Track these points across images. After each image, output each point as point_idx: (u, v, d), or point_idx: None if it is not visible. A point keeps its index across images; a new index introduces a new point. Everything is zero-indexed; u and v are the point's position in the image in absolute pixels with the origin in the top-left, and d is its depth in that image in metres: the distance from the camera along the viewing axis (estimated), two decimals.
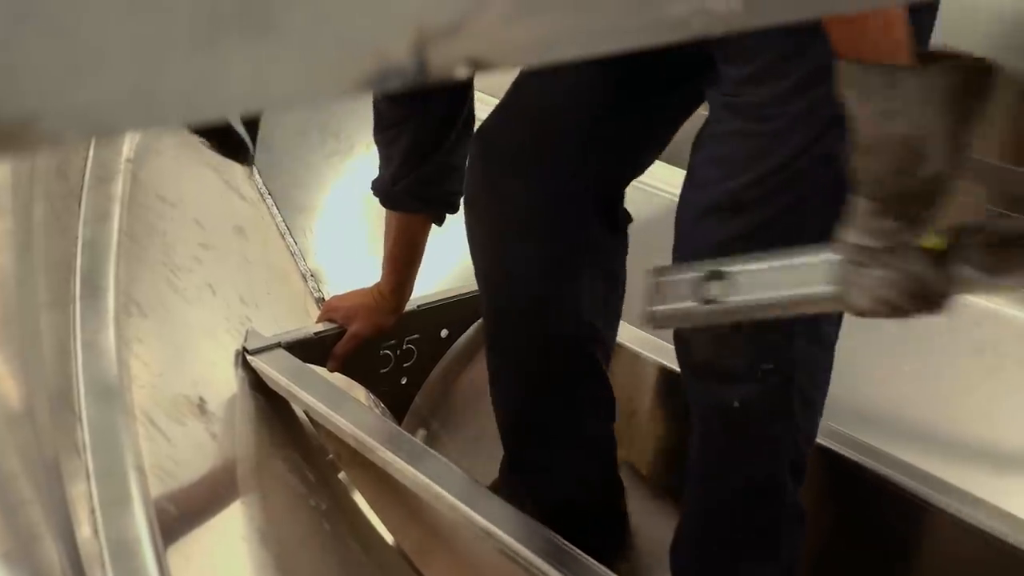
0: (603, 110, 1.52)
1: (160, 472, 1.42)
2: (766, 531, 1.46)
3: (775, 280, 1.15)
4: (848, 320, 1.82)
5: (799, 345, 1.35)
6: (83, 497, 1.21)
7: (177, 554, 1.28)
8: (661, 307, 1.22)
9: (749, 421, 1.41)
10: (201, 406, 1.59)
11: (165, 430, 1.49)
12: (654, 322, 1.24)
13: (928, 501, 1.50)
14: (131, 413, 1.39)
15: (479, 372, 2.02)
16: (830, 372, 1.42)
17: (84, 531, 1.17)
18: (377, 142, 1.76)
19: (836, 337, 1.40)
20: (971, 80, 1.02)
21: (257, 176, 2.17)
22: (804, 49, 1.25)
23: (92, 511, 1.20)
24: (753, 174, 1.30)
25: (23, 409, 1.21)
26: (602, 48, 0.39)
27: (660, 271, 1.22)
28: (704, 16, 0.38)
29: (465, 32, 0.35)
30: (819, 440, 1.54)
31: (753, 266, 1.17)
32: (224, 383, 1.65)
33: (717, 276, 1.17)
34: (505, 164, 1.56)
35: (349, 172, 2.31)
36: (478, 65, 0.36)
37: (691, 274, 1.19)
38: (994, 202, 1.80)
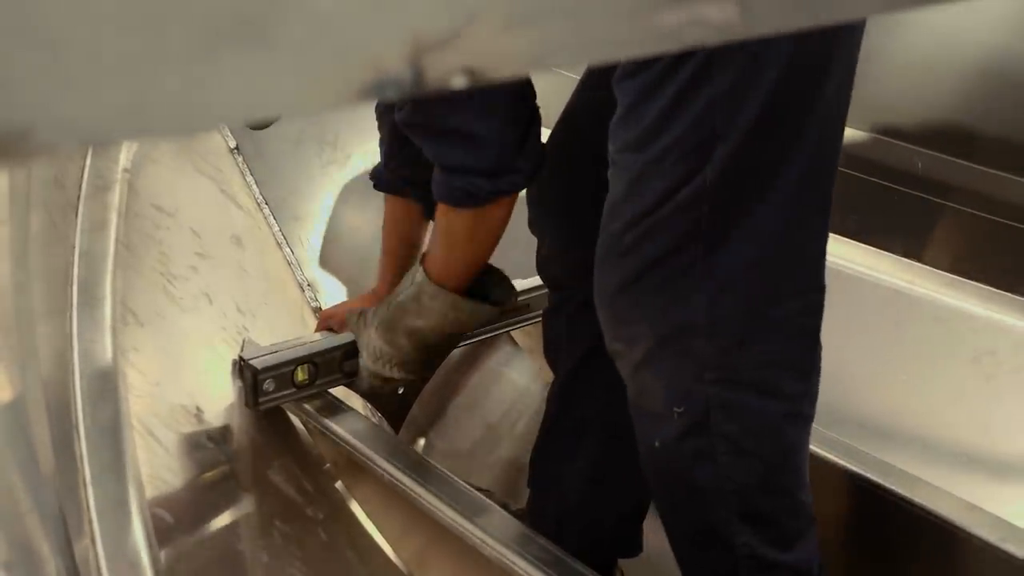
0: None
1: (157, 481, 1.42)
2: (721, 574, 1.42)
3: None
4: (843, 328, 1.82)
5: (713, 390, 1.33)
6: (80, 506, 1.21)
7: (174, 563, 1.28)
8: (265, 398, 1.62)
9: (671, 464, 1.40)
10: (198, 415, 1.58)
11: (162, 439, 1.49)
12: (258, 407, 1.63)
13: (923, 508, 1.50)
14: (128, 422, 1.39)
15: (475, 382, 2.02)
16: (776, 421, 1.35)
17: (81, 540, 1.16)
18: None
19: (787, 384, 1.35)
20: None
21: (254, 185, 2.17)
22: (650, 97, 1.28)
23: (89, 520, 1.20)
24: (628, 217, 1.32)
25: (20, 418, 1.21)
26: (597, 57, 0.39)
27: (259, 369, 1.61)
28: (698, 26, 0.38)
29: (461, 42, 0.35)
30: (814, 448, 1.54)
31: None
32: (221, 392, 1.65)
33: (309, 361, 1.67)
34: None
35: (346, 182, 2.31)
36: (474, 75, 0.36)
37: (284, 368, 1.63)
38: (998, 212, 1.80)
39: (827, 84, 1.28)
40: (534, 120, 1.52)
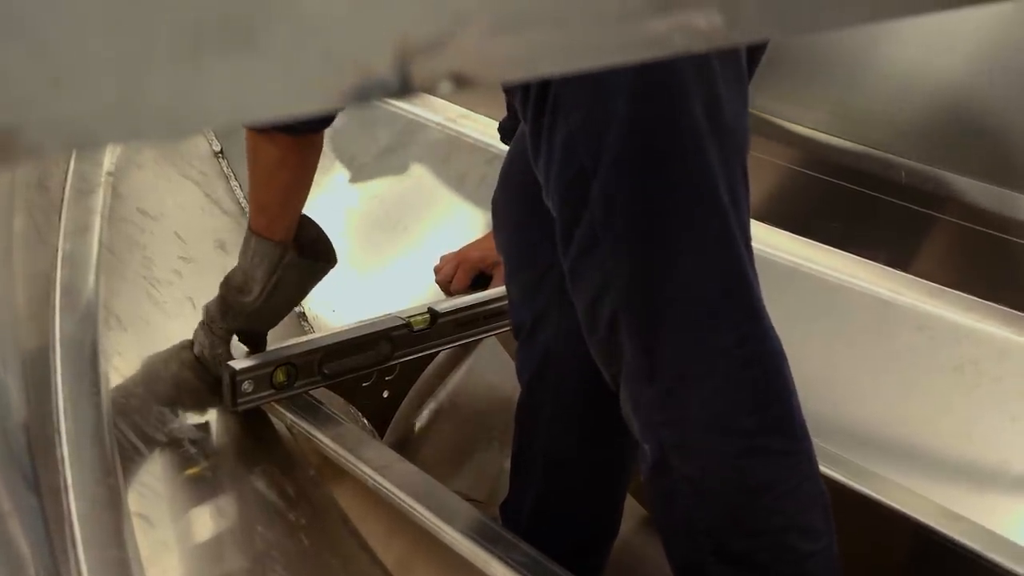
0: None
1: (139, 486, 1.42)
2: None
3: None
4: (826, 336, 1.83)
5: (664, 432, 1.31)
6: (62, 510, 1.21)
7: (155, 568, 1.28)
8: (244, 399, 1.61)
9: (652, 501, 1.40)
10: (180, 420, 1.58)
11: (144, 443, 1.48)
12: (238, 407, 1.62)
13: (906, 516, 1.50)
14: (110, 426, 1.38)
15: (459, 386, 2.02)
16: (733, 460, 1.31)
17: (61, 545, 1.16)
18: None
19: (740, 419, 1.30)
20: (293, 263, 1.64)
21: (239, 190, 2.17)
22: (537, 149, 1.34)
23: (71, 524, 1.19)
24: (563, 265, 1.37)
25: (1, 422, 1.21)
26: (584, 64, 0.39)
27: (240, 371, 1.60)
28: (686, 33, 0.38)
29: (448, 47, 0.35)
30: None
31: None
32: (204, 397, 1.65)
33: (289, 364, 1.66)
34: None
35: (330, 187, 2.31)
36: (461, 80, 0.36)
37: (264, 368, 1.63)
38: (981, 222, 1.81)
39: (691, 108, 1.26)
40: None
